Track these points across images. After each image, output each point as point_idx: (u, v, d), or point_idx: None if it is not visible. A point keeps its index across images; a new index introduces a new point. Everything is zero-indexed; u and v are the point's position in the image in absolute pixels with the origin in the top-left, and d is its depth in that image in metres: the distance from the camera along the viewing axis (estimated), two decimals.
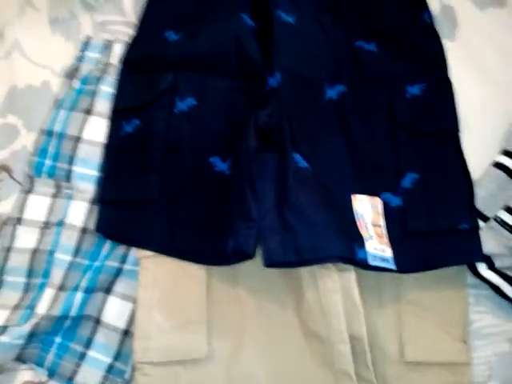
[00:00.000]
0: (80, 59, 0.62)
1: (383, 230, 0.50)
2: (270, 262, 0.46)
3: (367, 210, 0.50)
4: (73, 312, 0.53)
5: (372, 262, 0.47)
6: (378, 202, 0.51)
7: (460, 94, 0.55)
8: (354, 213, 0.49)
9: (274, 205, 0.48)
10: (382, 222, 0.50)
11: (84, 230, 0.56)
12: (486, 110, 0.56)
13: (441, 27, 0.58)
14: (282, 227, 0.47)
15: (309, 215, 0.47)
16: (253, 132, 0.51)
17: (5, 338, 0.51)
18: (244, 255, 0.48)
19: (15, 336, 0.51)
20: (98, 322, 0.54)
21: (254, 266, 0.49)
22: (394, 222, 0.50)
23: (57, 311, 0.52)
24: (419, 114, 0.53)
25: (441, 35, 0.57)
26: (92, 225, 0.56)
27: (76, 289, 0.53)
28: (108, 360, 0.53)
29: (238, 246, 0.47)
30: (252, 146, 0.50)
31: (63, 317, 0.53)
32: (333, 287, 0.47)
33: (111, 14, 0.65)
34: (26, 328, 0.51)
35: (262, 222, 0.47)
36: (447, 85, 0.55)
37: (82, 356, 0.53)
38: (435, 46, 0.56)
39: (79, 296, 0.53)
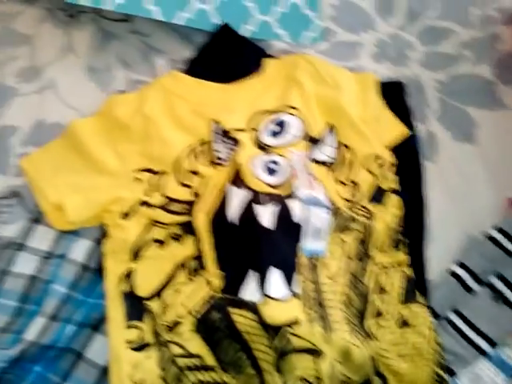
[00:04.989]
0: None
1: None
2: None
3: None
4: (60, 343, 0.56)
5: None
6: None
7: (431, 208, 0.66)
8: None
9: None
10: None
11: (84, 267, 0.60)
12: (449, 225, 0.66)
13: (425, 149, 0.69)
14: None
15: None
16: None
17: None
18: None
19: (0, 359, 0.53)
20: (80, 356, 0.56)
21: None
22: None
23: (46, 340, 0.55)
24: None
25: (424, 156, 0.69)
26: (92, 263, 0.60)
27: (68, 321, 0.56)
28: None
29: None
30: None
31: (50, 346, 0.55)
32: None
33: (144, 74, 0.73)
34: (12, 352, 0.54)
35: None
36: (422, 201, 0.66)
37: None
38: (417, 166, 0.67)
39: (70, 329, 0.56)
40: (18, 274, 0.59)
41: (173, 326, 0.55)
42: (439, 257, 0.63)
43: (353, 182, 0.63)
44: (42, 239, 0.61)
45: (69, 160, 0.62)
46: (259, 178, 0.58)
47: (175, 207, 0.60)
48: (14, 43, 0.73)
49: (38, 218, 0.62)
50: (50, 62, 0.72)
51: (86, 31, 0.75)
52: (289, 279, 0.54)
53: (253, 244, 0.55)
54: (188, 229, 0.58)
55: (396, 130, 0.68)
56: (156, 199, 0.60)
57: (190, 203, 0.60)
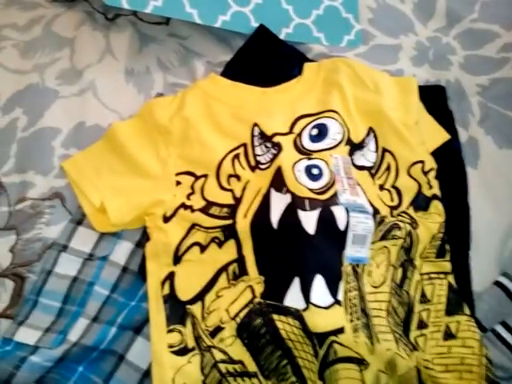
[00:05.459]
0: None
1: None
2: None
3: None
4: (103, 345, 0.56)
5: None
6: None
7: (474, 215, 0.64)
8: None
9: None
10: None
11: (125, 269, 0.60)
12: (492, 234, 0.64)
13: (466, 155, 0.68)
14: None
15: None
16: None
17: (36, 359, 0.54)
18: None
19: (46, 358, 0.54)
20: (121, 358, 0.57)
21: None
22: None
23: (89, 341, 0.55)
24: None
25: (465, 162, 0.67)
26: (133, 265, 0.60)
27: (111, 323, 0.57)
28: None
29: None
30: None
31: (93, 348, 0.56)
32: None
33: (183, 78, 0.73)
34: (58, 352, 0.55)
35: None
36: (466, 209, 0.64)
37: None
38: (460, 172, 0.66)
39: (113, 331, 0.56)
40: (61, 275, 0.59)
41: (215, 331, 0.55)
42: (483, 267, 0.62)
43: (395, 187, 0.62)
44: (83, 241, 0.61)
45: (110, 162, 0.62)
46: (302, 183, 0.58)
47: (215, 211, 0.60)
48: (55, 46, 0.74)
49: (80, 220, 0.62)
50: (90, 65, 0.73)
51: (125, 34, 0.76)
52: (333, 287, 0.53)
53: (297, 250, 0.55)
54: (229, 233, 0.58)
55: (437, 135, 0.67)
56: (196, 202, 0.60)
57: (231, 207, 0.59)
